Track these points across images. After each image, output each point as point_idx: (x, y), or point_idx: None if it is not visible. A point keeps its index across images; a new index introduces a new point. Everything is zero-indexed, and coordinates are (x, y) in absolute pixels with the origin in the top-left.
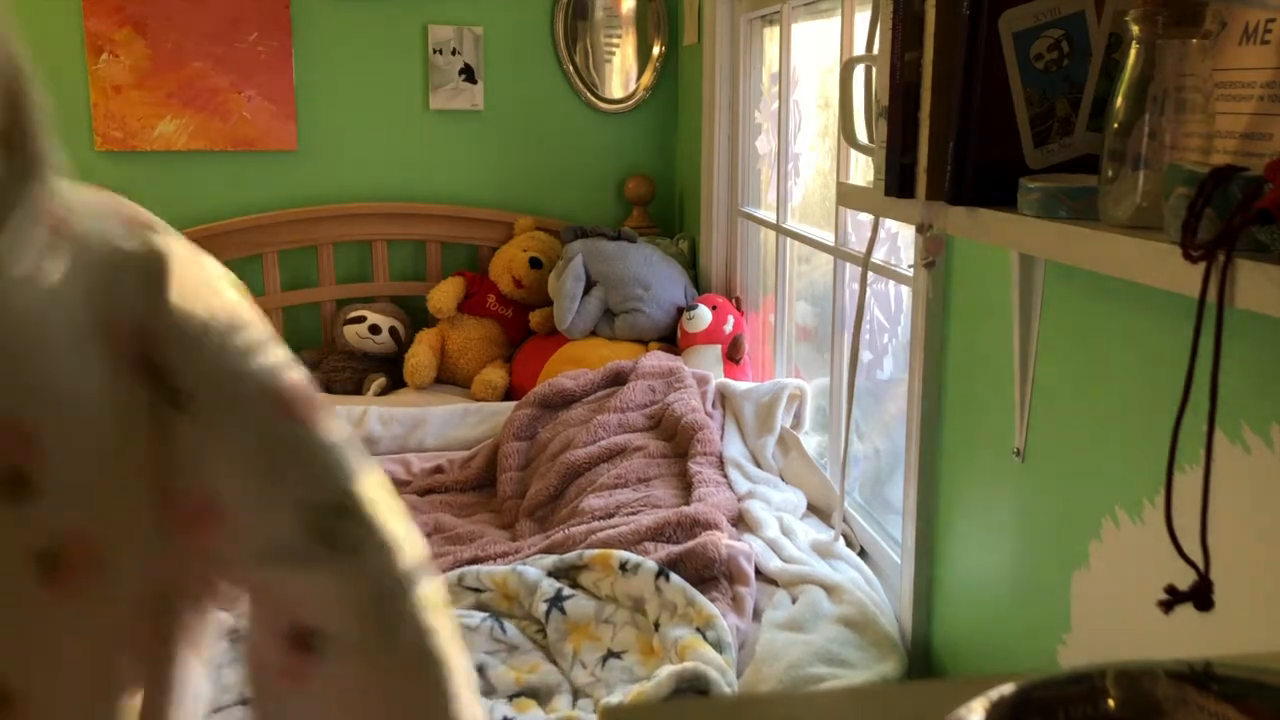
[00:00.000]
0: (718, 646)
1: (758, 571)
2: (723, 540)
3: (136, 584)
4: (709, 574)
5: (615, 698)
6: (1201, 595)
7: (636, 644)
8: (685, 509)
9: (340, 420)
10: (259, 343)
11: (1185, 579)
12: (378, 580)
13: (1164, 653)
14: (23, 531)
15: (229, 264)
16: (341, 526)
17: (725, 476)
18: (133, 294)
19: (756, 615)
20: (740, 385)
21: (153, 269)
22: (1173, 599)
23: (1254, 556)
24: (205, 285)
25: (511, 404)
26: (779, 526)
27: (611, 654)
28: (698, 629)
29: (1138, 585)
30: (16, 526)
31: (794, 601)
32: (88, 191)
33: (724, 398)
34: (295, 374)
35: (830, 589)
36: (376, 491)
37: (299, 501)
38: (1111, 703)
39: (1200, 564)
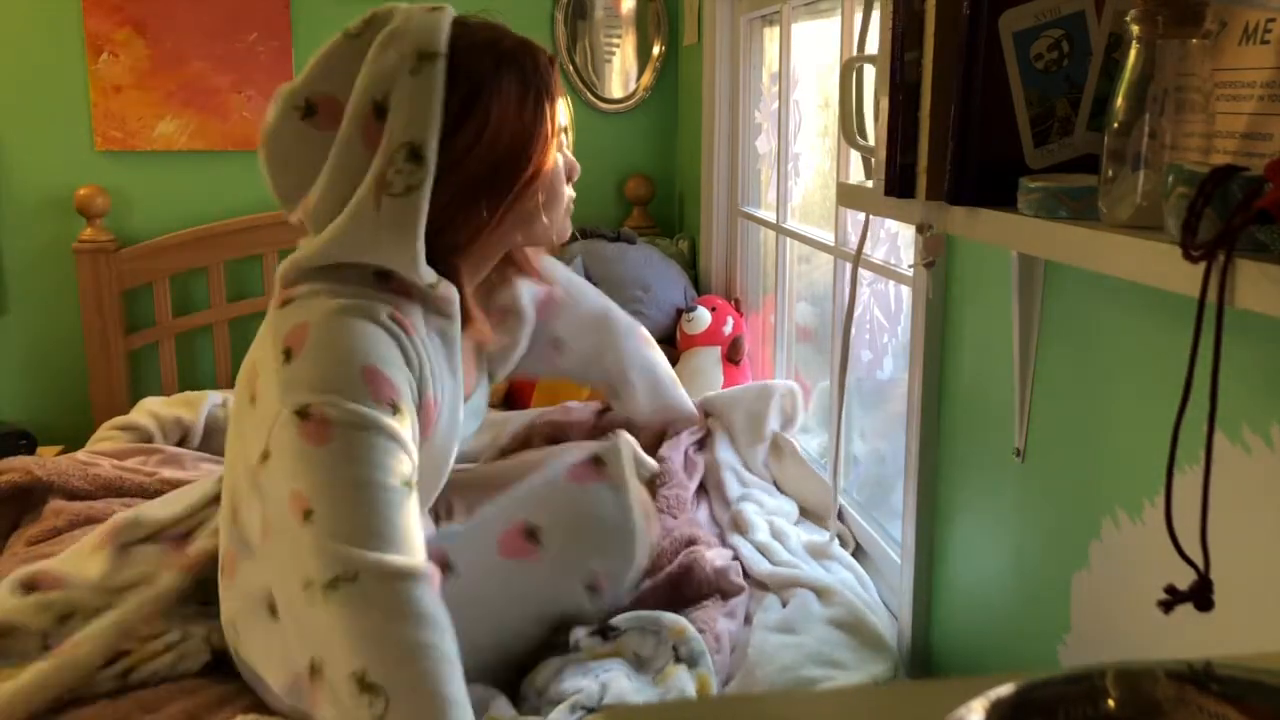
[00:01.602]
0: (690, 661)
1: (747, 575)
2: (705, 555)
3: None
4: (702, 593)
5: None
6: (1201, 595)
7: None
8: (667, 522)
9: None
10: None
11: (1185, 579)
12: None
13: (1164, 653)
14: None
15: (228, 265)
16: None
17: (707, 494)
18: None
19: (748, 619)
20: (725, 394)
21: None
22: (1173, 599)
23: (1254, 556)
24: None
25: (511, 413)
26: (770, 530)
27: None
28: (673, 646)
29: (1138, 585)
30: None
31: (784, 605)
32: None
33: (709, 415)
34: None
35: (820, 591)
36: None
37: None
38: (1111, 703)
39: (1200, 564)
